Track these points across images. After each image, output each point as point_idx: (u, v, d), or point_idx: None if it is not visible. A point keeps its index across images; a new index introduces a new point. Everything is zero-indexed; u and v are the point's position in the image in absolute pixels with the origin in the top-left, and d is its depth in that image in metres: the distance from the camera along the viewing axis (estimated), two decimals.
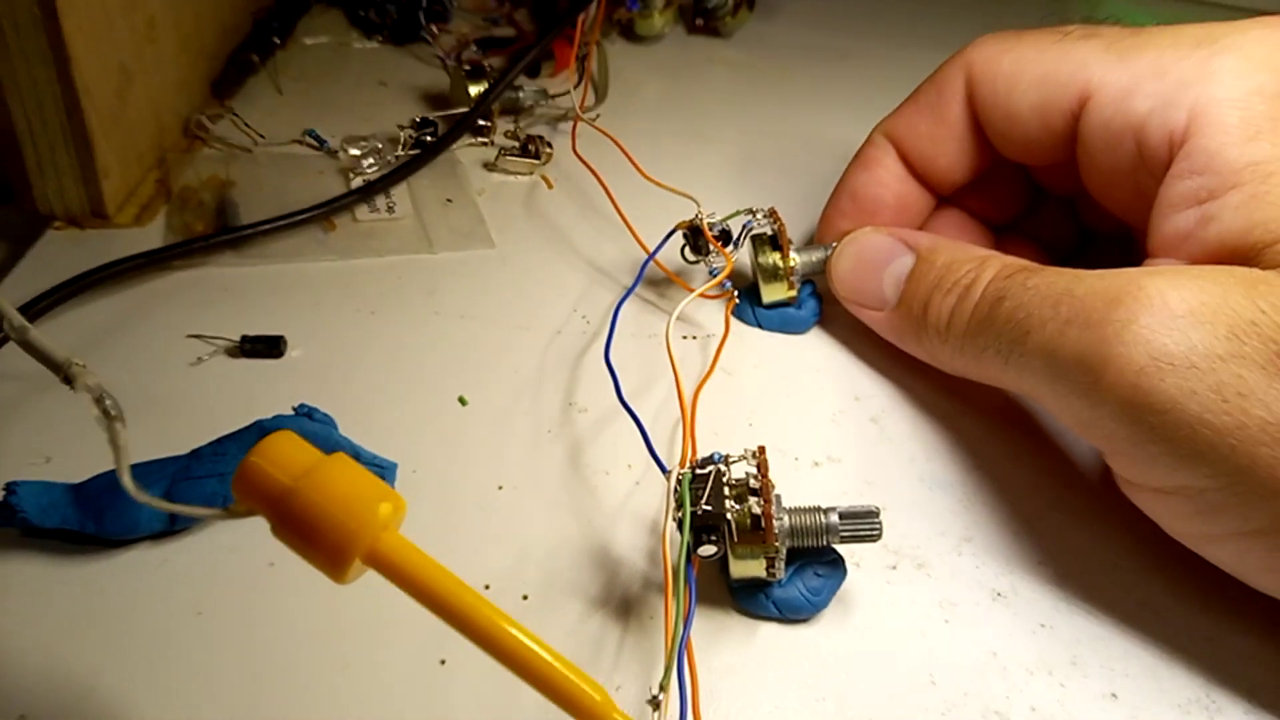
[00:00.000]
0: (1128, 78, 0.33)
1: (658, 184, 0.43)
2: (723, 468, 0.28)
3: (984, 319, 0.32)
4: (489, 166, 0.49)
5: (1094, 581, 0.31)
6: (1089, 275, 0.30)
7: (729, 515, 0.27)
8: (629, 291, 0.40)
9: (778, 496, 0.28)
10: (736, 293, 0.40)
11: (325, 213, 0.43)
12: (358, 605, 0.28)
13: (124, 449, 0.22)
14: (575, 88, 0.52)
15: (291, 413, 0.31)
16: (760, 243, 0.40)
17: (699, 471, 0.28)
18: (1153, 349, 0.27)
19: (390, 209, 0.45)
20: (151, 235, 0.42)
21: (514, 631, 0.19)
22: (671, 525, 0.27)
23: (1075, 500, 0.34)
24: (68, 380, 0.23)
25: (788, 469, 0.34)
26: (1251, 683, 0.29)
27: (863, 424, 0.37)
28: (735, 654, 0.28)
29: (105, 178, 0.41)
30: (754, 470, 0.28)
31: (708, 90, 0.60)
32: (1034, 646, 0.29)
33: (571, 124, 0.50)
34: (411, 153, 0.48)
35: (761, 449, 0.29)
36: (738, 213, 0.40)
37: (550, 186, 0.49)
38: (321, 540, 0.19)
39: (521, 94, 0.53)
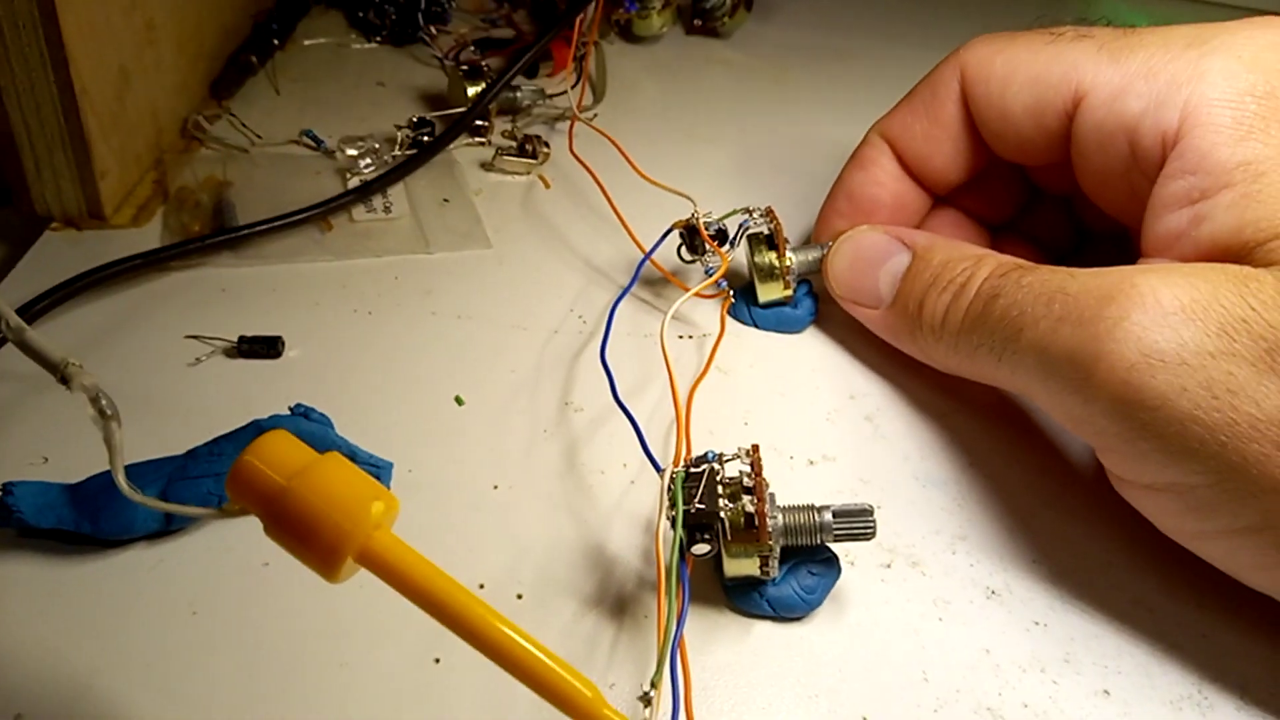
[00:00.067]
0: (1120, 78, 0.33)
1: (655, 183, 0.43)
2: (717, 466, 0.28)
3: (978, 317, 0.33)
4: (486, 166, 0.49)
5: (1088, 579, 0.31)
6: (1082, 273, 0.30)
7: (723, 514, 0.27)
8: (625, 291, 0.40)
9: (772, 495, 0.29)
10: (732, 292, 0.40)
11: (322, 213, 0.43)
12: (352, 604, 0.28)
13: (119, 448, 0.22)
14: (573, 88, 0.53)
15: (288, 413, 0.31)
16: (756, 242, 0.40)
17: (693, 470, 0.28)
18: (1144, 346, 0.27)
19: (387, 209, 0.45)
20: (149, 236, 0.42)
21: (504, 629, 0.19)
22: (665, 524, 0.27)
23: (1069, 498, 0.34)
24: (64, 380, 0.23)
25: (783, 468, 0.34)
26: (1243, 679, 0.29)
27: (858, 422, 0.37)
28: (729, 652, 0.28)
29: (103, 179, 0.41)
30: (748, 469, 0.28)
31: (705, 90, 0.60)
32: (1027, 644, 0.29)
33: (569, 124, 0.50)
34: (409, 153, 0.48)
35: (755, 447, 0.29)
36: (734, 212, 0.40)
37: (547, 186, 0.49)
38: (314, 539, 0.19)
39: (519, 94, 0.53)
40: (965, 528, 0.33)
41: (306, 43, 0.59)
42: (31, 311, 0.35)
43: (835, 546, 0.30)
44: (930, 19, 0.73)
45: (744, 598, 0.29)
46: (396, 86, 0.56)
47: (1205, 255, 0.30)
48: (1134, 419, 0.27)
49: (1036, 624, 0.30)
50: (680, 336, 0.40)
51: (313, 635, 0.27)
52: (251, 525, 0.20)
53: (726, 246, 0.39)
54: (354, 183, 0.46)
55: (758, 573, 0.28)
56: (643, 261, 0.40)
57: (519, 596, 0.29)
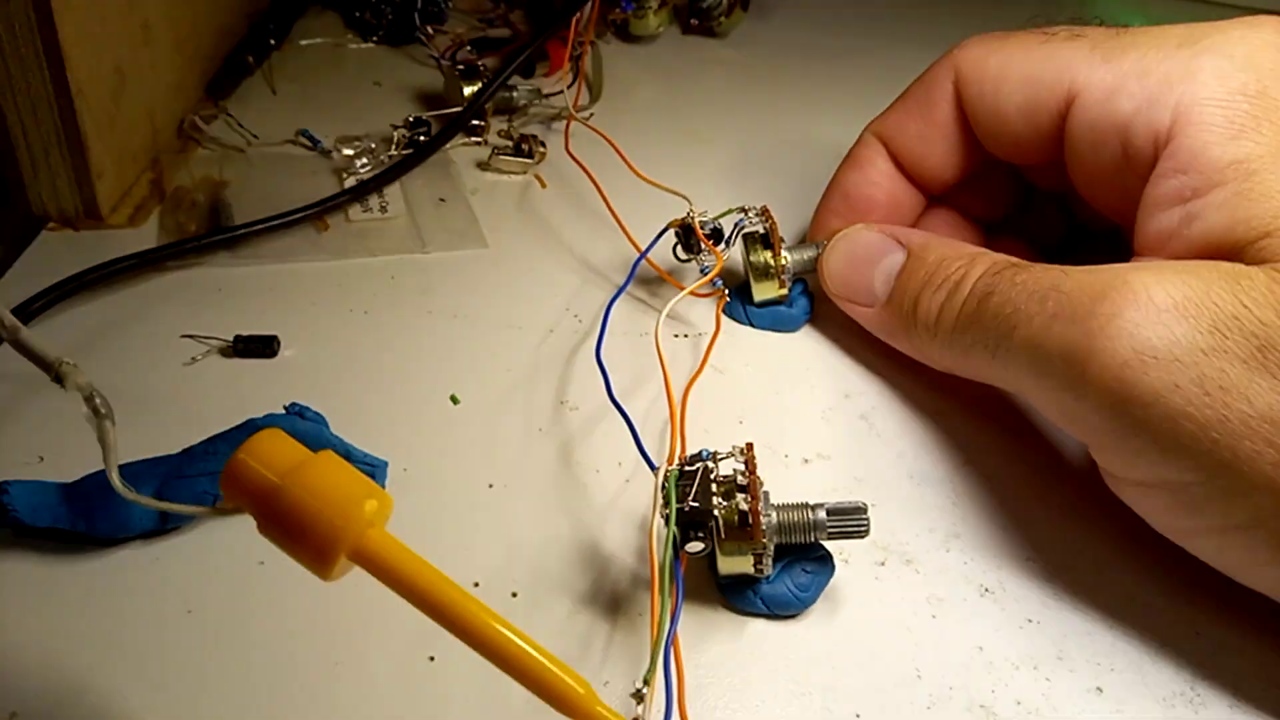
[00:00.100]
0: (1112, 78, 0.33)
1: (650, 183, 0.44)
2: (711, 465, 0.28)
3: (972, 314, 0.33)
4: (482, 166, 0.50)
5: (1081, 576, 0.31)
6: (1076, 271, 0.30)
7: (716, 512, 0.27)
8: (620, 290, 0.40)
9: (766, 493, 0.29)
10: (728, 291, 0.40)
11: (318, 213, 0.43)
12: (347, 603, 0.28)
13: (113, 447, 0.22)
14: (569, 87, 0.53)
15: (283, 412, 0.32)
16: (752, 241, 0.40)
17: (687, 468, 0.28)
18: (1136, 343, 0.27)
19: (383, 209, 0.45)
20: (145, 236, 0.42)
21: (497, 626, 0.19)
22: (659, 522, 0.27)
23: (1063, 496, 0.34)
24: (58, 379, 0.23)
25: (778, 466, 0.35)
26: (1236, 675, 0.29)
27: (852, 421, 0.37)
28: (723, 649, 0.29)
29: (99, 179, 0.41)
30: (742, 467, 0.28)
31: (701, 90, 0.60)
32: (1020, 641, 0.29)
33: (565, 123, 0.50)
34: (405, 152, 0.48)
35: (749, 446, 0.29)
36: (730, 211, 0.41)
37: (543, 186, 0.49)
38: (307, 537, 0.19)
39: (515, 93, 0.53)
40: (959, 526, 0.33)
41: (303, 43, 0.59)
42: (28, 311, 0.36)
43: (829, 544, 0.30)
44: (926, 19, 0.73)
45: (738, 595, 0.29)
46: (393, 86, 0.56)
47: (1198, 253, 0.30)
48: (1126, 416, 0.27)
49: (1030, 621, 0.30)
50: (675, 335, 0.40)
51: (307, 633, 0.28)
52: (247, 524, 0.20)
53: (722, 246, 0.40)
54: (350, 182, 0.46)
55: (752, 570, 0.28)
56: (638, 261, 0.40)
57: (513, 594, 0.29)
